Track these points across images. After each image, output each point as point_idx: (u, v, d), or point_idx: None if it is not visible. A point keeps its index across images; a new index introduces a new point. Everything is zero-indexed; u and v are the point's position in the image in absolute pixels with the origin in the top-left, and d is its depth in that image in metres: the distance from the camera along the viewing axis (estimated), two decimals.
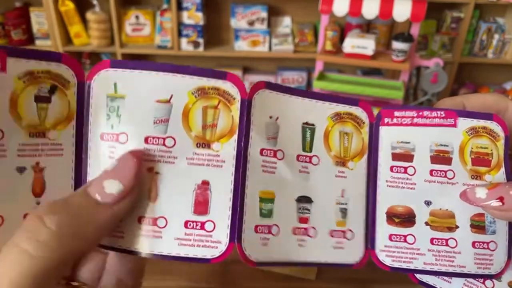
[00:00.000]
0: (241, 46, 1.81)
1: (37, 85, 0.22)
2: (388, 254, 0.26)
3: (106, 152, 0.23)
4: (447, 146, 0.26)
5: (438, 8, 1.77)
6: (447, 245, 0.25)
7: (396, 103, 1.40)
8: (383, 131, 0.27)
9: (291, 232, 0.24)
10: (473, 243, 0.25)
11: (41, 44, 1.82)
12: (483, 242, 0.25)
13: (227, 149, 0.23)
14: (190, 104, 0.23)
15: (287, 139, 0.25)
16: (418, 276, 0.26)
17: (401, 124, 0.26)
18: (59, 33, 1.73)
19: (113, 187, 0.21)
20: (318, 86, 1.41)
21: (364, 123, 0.27)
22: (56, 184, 0.22)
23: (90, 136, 0.23)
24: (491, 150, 0.26)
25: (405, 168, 0.26)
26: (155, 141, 0.23)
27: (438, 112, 0.26)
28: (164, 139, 0.23)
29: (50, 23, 1.72)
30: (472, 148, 0.26)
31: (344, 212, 0.25)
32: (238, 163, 0.23)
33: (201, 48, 1.79)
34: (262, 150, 0.24)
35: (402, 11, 1.32)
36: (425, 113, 0.26)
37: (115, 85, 0.23)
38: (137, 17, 1.80)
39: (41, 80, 0.22)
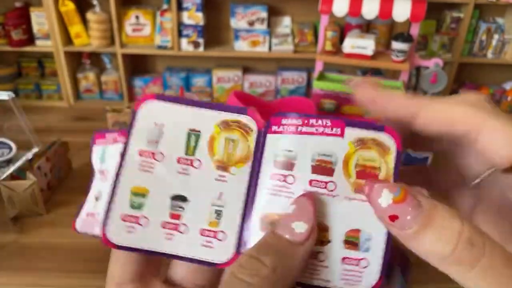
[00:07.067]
0: (241, 46, 1.81)
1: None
2: None
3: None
4: (330, 156, 0.25)
5: (438, 8, 1.78)
6: (315, 258, 0.24)
7: None
8: (269, 138, 0.26)
9: (160, 225, 0.26)
10: (343, 259, 0.24)
11: (41, 44, 1.82)
12: (354, 259, 0.24)
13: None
14: None
15: (170, 144, 0.27)
16: None
17: (286, 132, 0.25)
18: (59, 33, 1.74)
19: (301, 227, 0.23)
20: (318, 86, 1.41)
21: (252, 130, 0.26)
22: None
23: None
24: (379, 164, 0.24)
25: (285, 176, 0.25)
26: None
27: (324, 121, 0.25)
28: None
29: (51, 23, 1.72)
30: (358, 160, 0.24)
31: (219, 213, 0.26)
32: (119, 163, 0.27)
33: (201, 48, 1.79)
34: (141, 151, 0.27)
35: (402, 11, 1.33)
36: (311, 121, 0.25)
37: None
38: (137, 17, 1.80)
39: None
